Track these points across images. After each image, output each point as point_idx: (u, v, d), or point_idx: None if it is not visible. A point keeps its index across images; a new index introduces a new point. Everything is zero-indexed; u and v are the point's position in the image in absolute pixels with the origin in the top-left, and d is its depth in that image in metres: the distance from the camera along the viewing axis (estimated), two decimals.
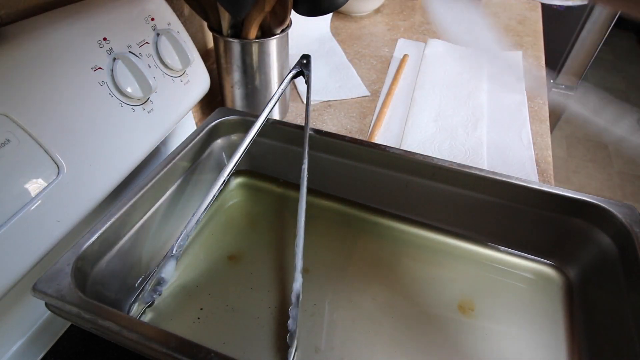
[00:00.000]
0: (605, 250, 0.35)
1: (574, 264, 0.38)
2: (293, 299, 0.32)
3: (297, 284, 0.32)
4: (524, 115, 0.60)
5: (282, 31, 0.49)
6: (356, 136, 0.55)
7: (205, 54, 0.63)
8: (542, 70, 0.72)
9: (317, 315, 0.35)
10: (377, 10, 0.94)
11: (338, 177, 0.44)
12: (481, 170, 0.38)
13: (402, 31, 0.85)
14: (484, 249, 0.40)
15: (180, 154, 0.38)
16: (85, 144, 0.31)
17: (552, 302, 0.36)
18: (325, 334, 0.33)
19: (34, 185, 0.28)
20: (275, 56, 0.50)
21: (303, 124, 0.41)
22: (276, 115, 0.56)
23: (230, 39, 0.47)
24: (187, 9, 0.55)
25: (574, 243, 0.37)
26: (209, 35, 0.64)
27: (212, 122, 0.42)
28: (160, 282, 0.34)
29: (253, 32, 0.46)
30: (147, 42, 0.37)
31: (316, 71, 0.69)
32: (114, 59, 0.34)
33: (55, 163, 0.29)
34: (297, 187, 0.37)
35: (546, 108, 0.62)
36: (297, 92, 0.64)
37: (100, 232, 0.30)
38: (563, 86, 1.68)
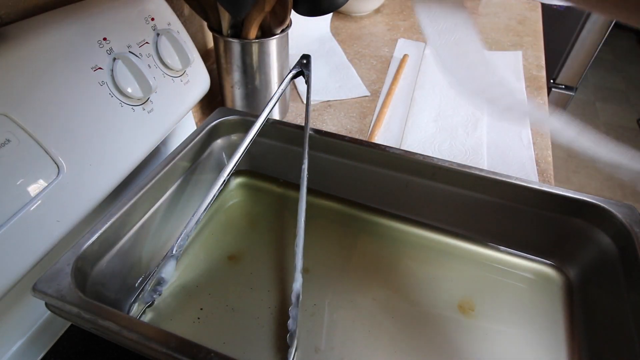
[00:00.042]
0: (605, 250, 0.35)
1: (574, 264, 0.38)
2: (293, 299, 0.32)
3: (297, 284, 0.32)
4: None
5: (282, 31, 0.49)
6: (356, 136, 0.55)
7: (205, 54, 0.63)
8: (542, 70, 0.72)
9: (317, 315, 0.35)
10: (377, 10, 0.94)
11: (338, 177, 0.44)
12: (481, 170, 0.38)
13: (402, 31, 0.85)
14: (484, 249, 0.40)
15: (180, 154, 0.38)
16: (85, 144, 0.31)
17: (552, 302, 0.36)
18: (325, 334, 0.33)
19: (34, 185, 0.28)
20: (275, 56, 0.50)
21: (303, 124, 0.41)
22: (276, 115, 0.56)
23: (230, 39, 0.47)
24: (187, 9, 0.55)
25: (574, 243, 0.37)
26: (209, 35, 0.64)
27: (212, 122, 0.42)
28: (160, 282, 0.34)
29: (253, 32, 0.46)
30: (147, 42, 0.37)
31: (316, 71, 0.69)
32: (114, 59, 0.34)
33: (55, 163, 0.29)
34: (297, 187, 0.37)
35: (546, 108, 0.62)
36: (297, 92, 0.64)
37: (100, 232, 0.30)
38: (563, 86, 1.68)
